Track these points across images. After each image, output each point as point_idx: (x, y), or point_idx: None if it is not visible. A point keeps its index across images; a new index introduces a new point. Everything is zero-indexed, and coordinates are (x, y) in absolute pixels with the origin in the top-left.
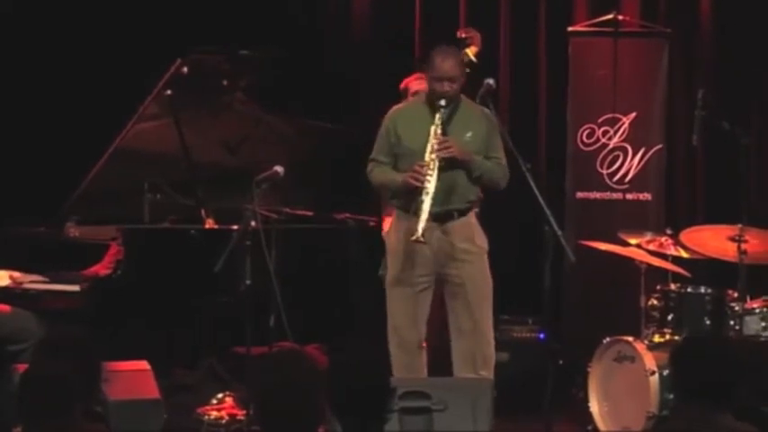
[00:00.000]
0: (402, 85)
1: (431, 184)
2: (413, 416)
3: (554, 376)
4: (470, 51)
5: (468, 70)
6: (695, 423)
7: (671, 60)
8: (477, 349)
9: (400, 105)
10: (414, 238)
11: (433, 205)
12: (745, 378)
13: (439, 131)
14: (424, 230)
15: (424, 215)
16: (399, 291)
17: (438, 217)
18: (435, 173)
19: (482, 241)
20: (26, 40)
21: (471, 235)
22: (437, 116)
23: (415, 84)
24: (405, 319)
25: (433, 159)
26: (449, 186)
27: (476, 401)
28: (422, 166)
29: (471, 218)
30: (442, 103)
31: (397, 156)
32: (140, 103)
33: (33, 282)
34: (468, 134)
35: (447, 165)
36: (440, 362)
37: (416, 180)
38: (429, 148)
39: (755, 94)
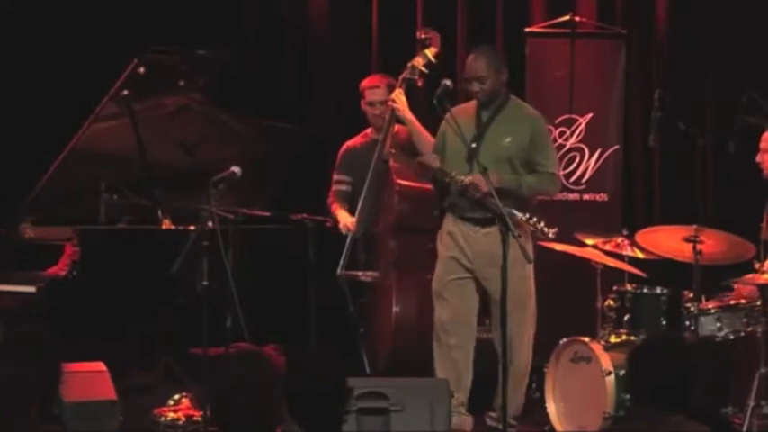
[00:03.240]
0: (361, 86)
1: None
2: (370, 416)
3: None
4: (429, 52)
5: (426, 71)
6: (650, 423)
7: (627, 61)
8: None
9: (459, 107)
10: None
11: (476, 210)
12: (701, 379)
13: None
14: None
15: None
16: (447, 292)
17: (480, 222)
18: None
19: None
20: None
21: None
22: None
23: (369, 93)
24: (455, 319)
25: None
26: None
27: (433, 402)
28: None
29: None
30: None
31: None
32: (97, 104)
33: None
34: (507, 139)
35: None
36: (400, 362)
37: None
38: None
39: (711, 95)
